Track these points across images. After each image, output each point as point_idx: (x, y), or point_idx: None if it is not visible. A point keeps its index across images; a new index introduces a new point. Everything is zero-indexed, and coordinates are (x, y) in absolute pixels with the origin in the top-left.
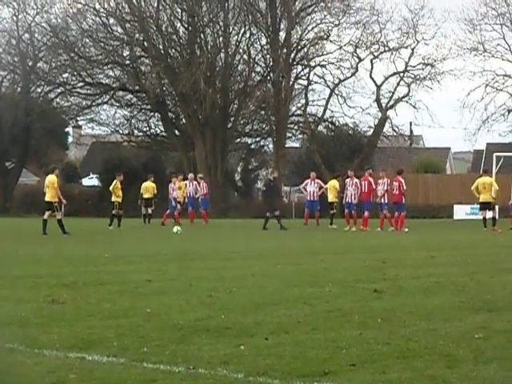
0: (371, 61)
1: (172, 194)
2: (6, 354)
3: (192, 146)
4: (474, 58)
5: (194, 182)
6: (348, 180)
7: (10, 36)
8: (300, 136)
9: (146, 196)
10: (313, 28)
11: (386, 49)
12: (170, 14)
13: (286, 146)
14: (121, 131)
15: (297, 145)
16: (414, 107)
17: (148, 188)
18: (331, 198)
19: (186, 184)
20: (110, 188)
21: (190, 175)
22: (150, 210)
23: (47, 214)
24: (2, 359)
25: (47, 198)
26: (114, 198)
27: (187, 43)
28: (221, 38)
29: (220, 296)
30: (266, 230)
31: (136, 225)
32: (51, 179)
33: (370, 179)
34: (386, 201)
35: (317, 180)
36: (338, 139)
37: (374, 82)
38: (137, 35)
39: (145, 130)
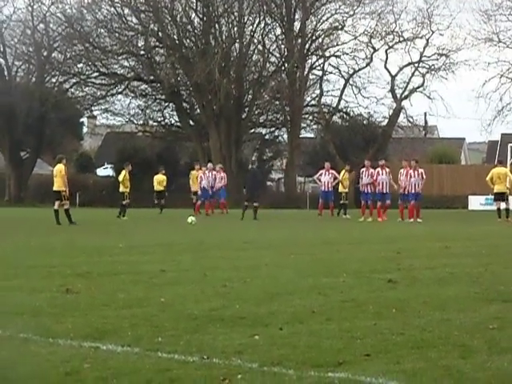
0: (386, 51)
1: (201, 184)
2: (20, 344)
3: (206, 137)
4: (488, 48)
5: (214, 172)
6: (363, 170)
7: (24, 26)
8: (314, 126)
9: (158, 188)
10: (327, 18)
11: (401, 39)
12: (185, 4)
13: (301, 136)
14: (135, 121)
15: (311, 135)
16: (429, 97)
17: (159, 180)
18: (341, 188)
19: (200, 175)
20: (120, 179)
21: (209, 165)
22: (162, 202)
23: (57, 203)
24: (16, 349)
25: (55, 188)
26: (122, 189)
27: (202, 33)
28: (235, 28)
29: (234, 286)
30: (242, 221)
31: (150, 215)
32: (58, 167)
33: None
34: (414, 191)
35: (331, 170)
36: (352, 129)
37: (389, 72)
38: (151, 25)
39: (159, 120)
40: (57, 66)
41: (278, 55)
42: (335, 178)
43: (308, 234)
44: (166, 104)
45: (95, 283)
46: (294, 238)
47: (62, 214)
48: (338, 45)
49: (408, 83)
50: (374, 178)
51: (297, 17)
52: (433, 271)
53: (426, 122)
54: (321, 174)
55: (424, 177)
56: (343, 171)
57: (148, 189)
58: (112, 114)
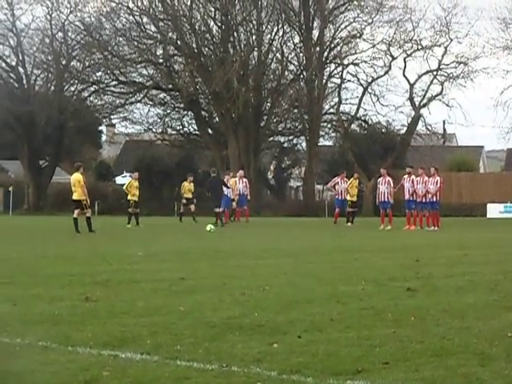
0: (404, 59)
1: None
2: (39, 352)
3: (225, 145)
4: (507, 56)
5: (244, 180)
6: (381, 179)
7: (43, 35)
8: (333, 134)
9: (186, 196)
10: (346, 26)
11: (419, 47)
12: (204, 12)
13: (319, 144)
14: (154, 130)
15: (330, 143)
16: (448, 105)
17: (189, 188)
18: (348, 196)
19: (235, 181)
20: (124, 187)
21: (240, 172)
22: (192, 208)
23: (76, 212)
24: (35, 357)
25: (75, 197)
26: (129, 197)
27: (220, 42)
28: (254, 37)
29: (253, 294)
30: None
31: (172, 223)
32: (77, 177)
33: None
34: (435, 199)
35: (345, 179)
36: (371, 138)
37: (408, 80)
38: (170, 34)
39: (178, 128)
40: (76, 75)
41: (296, 63)
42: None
43: (326, 242)
44: (185, 112)
45: (114, 291)
46: (312, 246)
47: (81, 223)
48: (356, 53)
49: (426, 91)
50: (415, 187)
51: (315, 25)
52: (452, 279)
53: (444, 130)
54: (337, 183)
55: (439, 185)
56: (351, 179)
57: (167, 197)
58: (131, 122)
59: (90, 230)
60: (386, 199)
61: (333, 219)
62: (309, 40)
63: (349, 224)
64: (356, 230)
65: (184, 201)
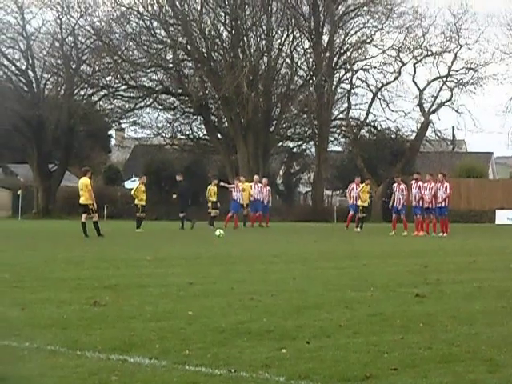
0: (414, 65)
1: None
2: (48, 357)
3: (234, 150)
4: None
5: (259, 185)
6: (395, 185)
7: (53, 39)
8: (342, 140)
9: (211, 199)
10: (356, 32)
11: (429, 53)
12: (214, 17)
13: (328, 149)
14: (163, 134)
15: (339, 149)
16: (457, 112)
17: (214, 191)
18: (359, 202)
19: (250, 186)
20: (132, 192)
21: (256, 177)
22: (213, 213)
23: (84, 216)
24: (44, 361)
25: (82, 201)
26: (136, 201)
27: (230, 47)
28: (264, 42)
29: (262, 299)
30: (183, 230)
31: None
32: (84, 182)
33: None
34: (444, 205)
35: (360, 184)
36: (380, 143)
37: (417, 86)
38: (180, 38)
39: (187, 133)
40: (85, 79)
41: (306, 69)
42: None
43: (335, 248)
44: (194, 117)
45: (123, 296)
46: (321, 252)
47: (90, 226)
48: (366, 58)
49: (436, 97)
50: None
51: (325, 30)
52: (460, 285)
53: (453, 136)
54: (352, 189)
55: (448, 191)
56: (362, 184)
57: (177, 202)
58: (140, 126)
59: (99, 234)
60: (401, 205)
61: (345, 224)
62: (318, 45)
63: (358, 229)
64: (365, 235)
65: (210, 205)
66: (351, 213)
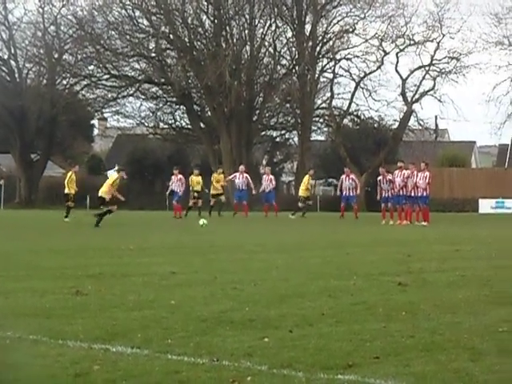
0: (396, 54)
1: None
2: (30, 346)
3: (217, 139)
4: (499, 51)
5: (245, 175)
6: (380, 178)
7: (35, 28)
8: (325, 129)
9: (196, 189)
10: (338, 21)
11: (412, 42)
12: (196, 6)
13: (311, 139)
14: (146, 124)
15: (322, 138)
16: (440, 101)
17: (197, 181)
18: (301, 192)
19: (223, 177)
20: (65, 181)
21: (241, 167)
22: (200, 203)
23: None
24: (26, 351)
25: (100, 194)
26: (66, 190)
27: (213, 36)
28: (246, 31)
29: (244, 288)
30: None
31: (164, 217)
32: (112, 178)
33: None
34: (425, 194)
35: (351, 175)
36: (363, 132)
37: (400, 75)
38: (162, 28)
39: (170, 122)
40: (68, 68)
41: (288, 58)
42: (356, 185)
43: (319, 237)
44: (177, 106)
45: (105, 285)
46: (304, 241)
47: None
48: (348, 48)
49: (419, 86)
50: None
51: (308, 19)
52: (443, 274)
53: (436, 125)
54: (342, 181)
55: (428, 180)
56: (306, 176)
57: (159, 191)
58: (123, 116)
59: (97, 224)
60: (390, 195)
61: (327, 214)
62: (301, 34)
63: (293, 217)
64: (348, 224)
65: (195, 194)
66: (343, 204)
